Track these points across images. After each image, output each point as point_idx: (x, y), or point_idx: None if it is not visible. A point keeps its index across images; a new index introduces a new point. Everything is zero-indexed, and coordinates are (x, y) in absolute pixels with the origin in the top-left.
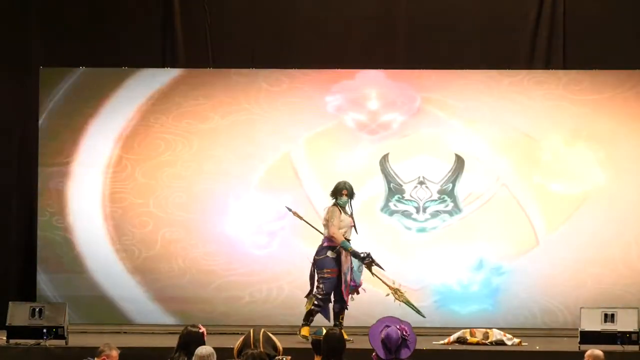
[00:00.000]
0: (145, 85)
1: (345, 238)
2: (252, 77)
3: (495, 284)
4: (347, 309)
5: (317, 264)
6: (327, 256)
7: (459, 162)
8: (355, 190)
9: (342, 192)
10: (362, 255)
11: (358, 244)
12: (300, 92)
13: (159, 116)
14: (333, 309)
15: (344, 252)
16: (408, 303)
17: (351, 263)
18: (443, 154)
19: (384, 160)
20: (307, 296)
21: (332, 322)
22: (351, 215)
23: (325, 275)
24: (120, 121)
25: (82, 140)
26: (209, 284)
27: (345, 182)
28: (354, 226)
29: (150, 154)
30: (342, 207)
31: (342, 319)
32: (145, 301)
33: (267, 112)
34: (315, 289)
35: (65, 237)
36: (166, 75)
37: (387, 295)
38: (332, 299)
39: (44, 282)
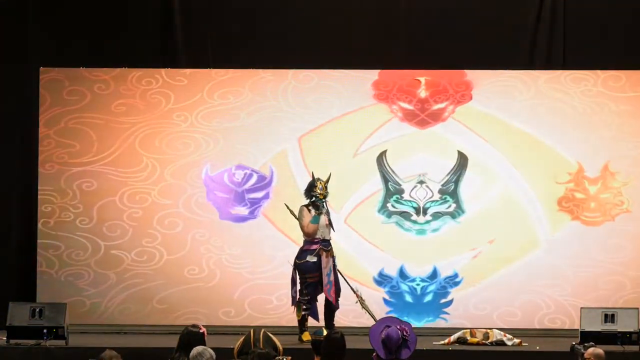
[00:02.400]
0: (166, 83)
1: (323, 238)
2: (281, 75)
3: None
4: (337, 308)
5: (299, 268)
6: (308, 261)
7: (462, 159)
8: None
9: (314, 186)
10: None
11: (355, 247)
12: (328, 89)
13: (182, 114)
14: (324, 315)
15: (324, 254)
16: (368, 310)
17: (333, 263)
18: (444, 151)
19: (381, 157)
20: (293, 304)
21: (321, 322)
22: (326, 214)
23: (308, 281)
24: (139, 120)
25: (100, 140)
26: (236, 287)
27: (319, 180)
28: (330, 224)
29: (175, 154)
30: (315, 207)
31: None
32: (165, 303)
33: (295, 109)
34: (299, 295)
35: (91, 238)
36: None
37: (356, 302)
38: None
39: (58, 283)
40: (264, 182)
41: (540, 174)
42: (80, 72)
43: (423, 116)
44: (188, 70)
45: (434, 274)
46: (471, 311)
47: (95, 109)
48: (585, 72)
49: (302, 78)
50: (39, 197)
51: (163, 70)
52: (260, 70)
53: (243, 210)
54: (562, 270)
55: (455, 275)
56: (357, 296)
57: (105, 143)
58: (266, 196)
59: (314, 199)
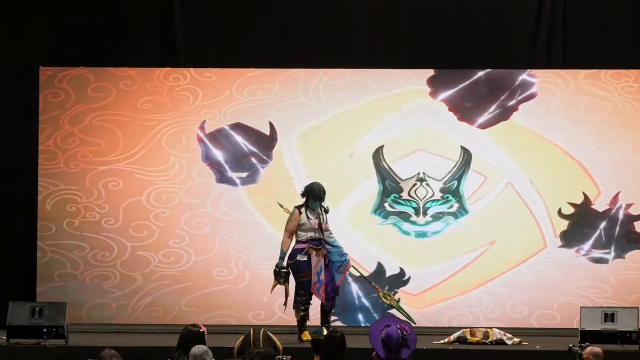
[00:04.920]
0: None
1: (312, 237)
2: (312, 71)
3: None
4: (333, 307)
5: (292, 269)
6: (298, 260)
7: (466, 156)
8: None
9: (316, 196)
10: (281, 272)
11: (352, 249)
12: (361, 87)
13: (210, 111)
14: (320, 315)
15: (314, 253)
16: (398, 308)
17: (327, 263)
18: (446, 147)
19: (378, 153)
20: (292, 307)
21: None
22: (317, 218)
23: (302, 280)
24: (166, 117)
25: (126, 138)
26: (266, 289)
27: (320, 186)
28: (320, 228)
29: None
30: (311, 210)
31: (330, 317)
32: (193, 306)
33: (327, 107)
34: (297, 297)
35: (116, 239)
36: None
37: (372, 296)
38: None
39: (83, 285)
40: (264, 142)
41: (549, 172)
42: (106, 68)
43: (485, 115)
44: (216, 68)
45: (379, 272)
46: (508, 313)
47: (120, 106)
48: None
49: (334, 75)
50: (38, 195)
51: (192, 67)
52: (291, 68)
53: (241, 174)
54: (602, 273)
55: (402, 274)
56: (379, 291)
57: (131, 141)
58: (268, 157)
59: (309, 202)
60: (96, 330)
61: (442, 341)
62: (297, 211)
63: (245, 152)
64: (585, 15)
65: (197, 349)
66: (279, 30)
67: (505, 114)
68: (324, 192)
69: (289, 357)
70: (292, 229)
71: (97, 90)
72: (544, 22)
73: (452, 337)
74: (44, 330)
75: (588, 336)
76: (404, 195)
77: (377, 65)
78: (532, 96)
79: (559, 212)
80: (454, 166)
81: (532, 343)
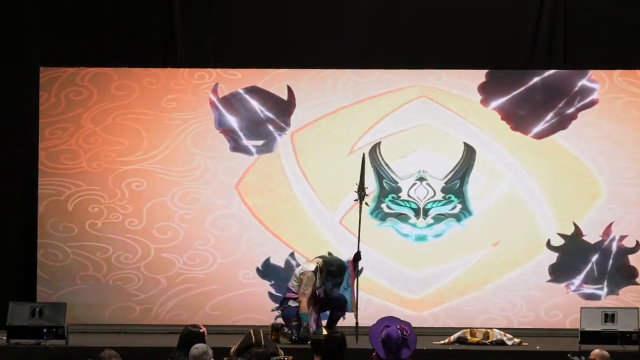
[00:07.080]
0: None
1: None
2: (339, 72)
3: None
4: (342, 317)
5: (282, 315)
6: (290, 306)
7: (469, 153)
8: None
9: (339, 279)
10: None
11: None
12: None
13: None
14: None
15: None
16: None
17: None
18: (448, 145)
19: (374, 151)
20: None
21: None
22: (326, 293)
23: (293, 324)
24: (191, 116)
25: (150, 137)
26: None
27: (345, 272)
28: (322, 298)
29: (229, 152)
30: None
31: (335, 325)
32: (219, 309)
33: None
34: (291, 335)
35: (140, 241)
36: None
37: None
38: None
39: (106, 287)
40: (282, 108)
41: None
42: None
43: (541, 124)
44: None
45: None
46: (542, 317)
47: (144, 105)
48: None
49: (364, 73)
50: (39, 194)
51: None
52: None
53: (257, 142)
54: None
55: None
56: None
57: (155, 140)
58: (286, 124)
59: (329, 277)
60: (96, 331)
61: (442, 342)
62: (314, 277)
63: (262, 118)
64: (586, 15)
65: (196, 349)
66: (280, 30)
67: (563, 122)
68: (343, 271)
69: (290, 357)
70: (311, 294)
71: (120, 89)
72: (544, 22)
73: (452, 338)
74: (44, 330)
75: (588, 337)
76: (403, 195)
77: (377, 66)
78: (592, 103)
79: (548, 243)
80: (457, 164)
81: (532, 343)
